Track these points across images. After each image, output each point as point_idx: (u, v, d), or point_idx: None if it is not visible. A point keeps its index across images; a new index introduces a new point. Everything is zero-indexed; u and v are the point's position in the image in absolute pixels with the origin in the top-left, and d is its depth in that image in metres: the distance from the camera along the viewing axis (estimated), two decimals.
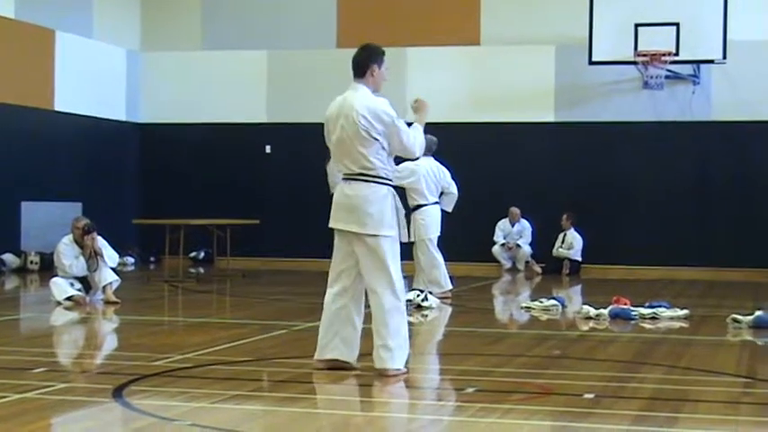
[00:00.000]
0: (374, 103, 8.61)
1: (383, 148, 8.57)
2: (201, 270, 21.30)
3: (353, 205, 8.54)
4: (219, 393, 7.69)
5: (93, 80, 22.72)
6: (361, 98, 8.62)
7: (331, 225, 8.76)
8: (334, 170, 9.00)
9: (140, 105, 24.27)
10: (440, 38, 22.67)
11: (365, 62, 8.79)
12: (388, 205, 8.56)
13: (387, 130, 8.57)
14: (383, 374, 8.38)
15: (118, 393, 7.58)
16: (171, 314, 14.65)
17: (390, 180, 8.66)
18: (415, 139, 8.72)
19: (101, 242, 14.65)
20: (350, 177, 8.63)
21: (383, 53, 8.99)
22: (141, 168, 24.18)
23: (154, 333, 11.75)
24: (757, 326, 12.13)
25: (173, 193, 23.50)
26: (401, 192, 15.00)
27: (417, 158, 9.63)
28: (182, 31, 24.11)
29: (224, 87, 23.72)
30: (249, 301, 15.59)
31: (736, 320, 12.39)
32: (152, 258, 22.91)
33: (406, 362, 8.60)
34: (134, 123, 24.14)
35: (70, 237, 14.69)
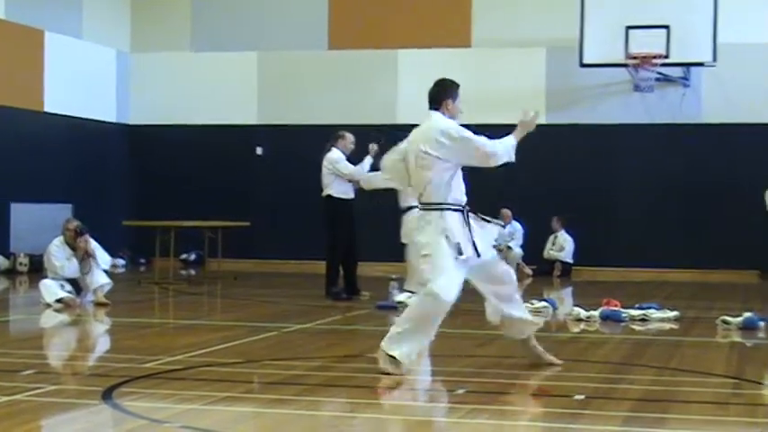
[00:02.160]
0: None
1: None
2: (192, 272, 21.28)
3: None
4: (210, 395, 7.68)
5: (82, 81, 22.70)
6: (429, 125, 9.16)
7: None
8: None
9: (130, 107, 24.24)
10: (431, 40, 22.69)
11: (436, 95, 9.12)
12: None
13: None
14: None
15: (108, 395, 7.56)
16: (161, 316, 14.64)
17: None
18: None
19: (93, 244, 14.64)
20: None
21: (457, 86, 9.27)
22: (131, 170, 24.15)
23: (144, 335, 11.74)
24: (746, 327, 12.17)
25: (163, 194, 23.47)
26: (393, 193, 15.07)
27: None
28: (172, 33, 24.09)
29: (214, 89, 23.71)
30: (240, 303, 15.58)
31: (725, 322, 12.43)
32: (142, 260, 22.89)
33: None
34: (124, 125, 24.12)
35: (61, 238, 14.66)
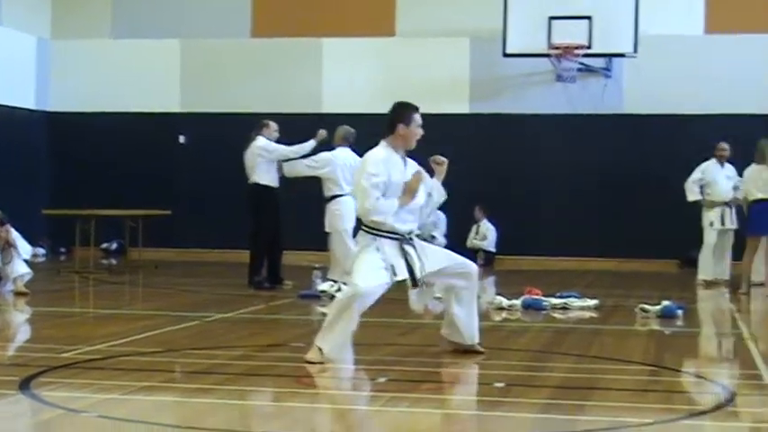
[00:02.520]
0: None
1: None
2: (113, 261, 21.11)
3: None
4: (129, 385, 7.63)
5: (2, 68, 22.39)
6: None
7: None
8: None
9: (51, 94, 23.96)
10: (355, 29, 22.65)
11: (390, 120, 9.05)
12: None
13: None
14: None
15: (25, 385, 7.49)
16: (81, 305, 14.52)
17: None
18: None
19: (14, 234, 14.47)
20: None
21: (415, 110, 9.20)
22: (51, 158, 23.87)
23: (63, 324, 11.62)
24: (664, 315, 12.33)
25: (84, 183, 23.22)
26: (317, 181, 15.06)
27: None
28: (93, 19, 23.83)
29: (136, 76, 23.49)
30: (161, 293, 15.49)
31: (644, 310, 12.57)
32: (63, 249, 22.64)
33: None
34: (44, 112, 23.84)
35: None
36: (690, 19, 21.58)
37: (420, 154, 20.24)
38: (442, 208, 21.65)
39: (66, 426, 6.52)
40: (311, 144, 15.56)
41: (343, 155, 15.51)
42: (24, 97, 23.29)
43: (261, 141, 15.59)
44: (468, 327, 9.23)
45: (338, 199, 15.45)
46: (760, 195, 15.89)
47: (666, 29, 21.39)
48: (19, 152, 22.89)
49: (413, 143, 8.97)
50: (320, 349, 8.56)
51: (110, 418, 6.58)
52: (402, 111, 9.01)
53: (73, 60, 23.80)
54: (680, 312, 12.53)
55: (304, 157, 15.36)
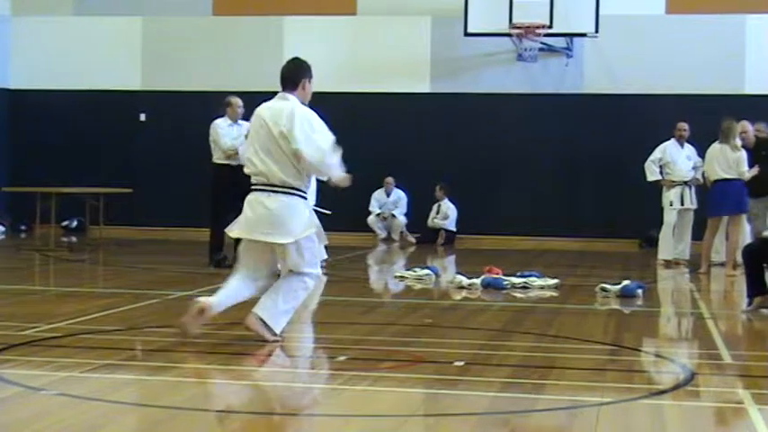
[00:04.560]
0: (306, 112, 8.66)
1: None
2: (74, 239, 21.02)
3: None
4: (89, 362, 7.62)
5: None
6: (285, 105, 8.64)
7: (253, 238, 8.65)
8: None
9: (11, 70, 23.80)
10: (317, 7, 22.62)
11: (292, 75, 8.76)
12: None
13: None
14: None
15: None
16: (42, 283, 14.45)
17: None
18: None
19: None
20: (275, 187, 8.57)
21: (310, 68, 9.01)
22: (11, 135, 23.73)
23: (23, 302, 11.58)
24: (624, 295, 12.39)
25: (44, 160, 23.10)
26: None
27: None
28: None
29: (97, 54, 23.37)
30: (122, 270, 15.45)
31: (604, 290, 12.63)
32: (23, 227, 22.51)
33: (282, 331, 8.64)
34: (4, 89, 23.68)
35: None
36: None
37: (378, 131, 20.27)
38: (401, 187, 21.90)
39: (26, 403, 6.51)
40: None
41: None
42: None
43: (216, 122, 15.37)
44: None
45: None
46: (723, 175, 15.95)
47: (628, 9, 21.49)
48: None
49: (308, 100, 8.89)
50: (273, 331, 8.55)
51: (70, 396, 6.57)
52: (308, 67, 8.92)
53: (34, 37, 23.64)
54: (640, 292, 12.61)
55: None
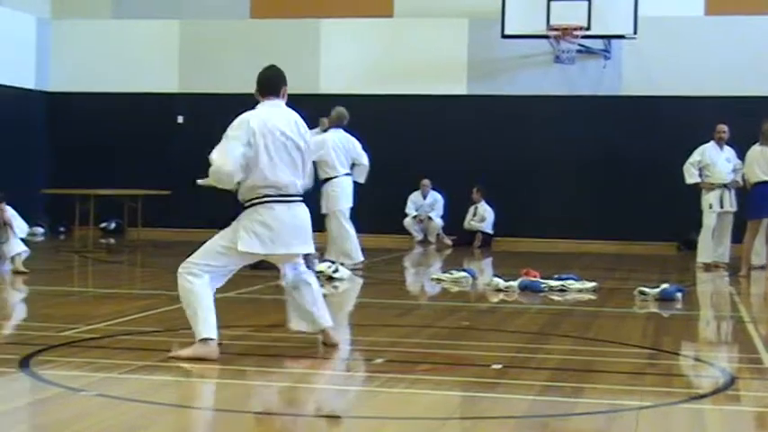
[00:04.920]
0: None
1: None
2: (112, 241, 21.09)
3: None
4: (128, 363, 7.65)
5: (1, 48, 22.35)
6: (290, 113, 8.48)
7: (288, 252, 8.35)
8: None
9: (50, 74, 23.93)
10: (353, 9, 22.63)
11: (280, 81, 8.63)
12: None
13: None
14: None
15: (25, 363, 7.51)
16: (80, 285, 14.53)
17: None
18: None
19: (10, 212, 14.47)
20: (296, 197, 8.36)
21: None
22: (50, 137, 23.86)
23: (62, 303, 11.64)
24: (663, 298, 12.31)
25: (83, 162, 23.21)
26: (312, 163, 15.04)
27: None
28: (93, 0, 23.82)
29: (135, 57, 23.48)
30: (159, 272, 15.49)
31: (642, 293, 12.57)
32: (62, 229, 22.63)
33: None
34: (44, 92, 23.82)
35: None
36: (690, 0, 21.56)
37: (415, 133, 20.21)
38: (438, 189, 21.88)
39: (65, 404, 6.54)
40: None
41: (335, 136, 15.55)
42: (24, 77, 23.27)
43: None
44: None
45: (333, 180, 15.51)
46: (763, 177, 15.83)
47: (666, 10, 21.38)
48: (19, 132, 22.89)
49: None
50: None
51: (109, 397, 6.60)
52: (284, 74, 8.77)
53: (72, 40, 23.77)
54: (679, 295, 12.52)
55: None
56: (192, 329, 8.00)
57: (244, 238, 8.16)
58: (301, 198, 8.40)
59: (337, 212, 15.38)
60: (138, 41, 23.47)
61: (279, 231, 8.20)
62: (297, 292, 8.51)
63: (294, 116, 8.49)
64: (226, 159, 8.07)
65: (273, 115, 8.34)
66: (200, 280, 8.13)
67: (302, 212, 8.37)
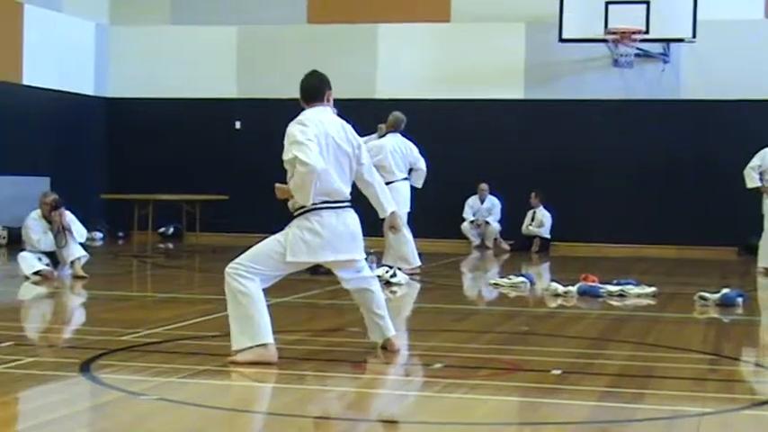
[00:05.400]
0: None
1: None
2: (170, 245, 21.24)
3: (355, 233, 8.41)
4: (187, 368, 7.68)
5: (61, 54, 22.59)
6: (338, 119, 8.47)
7: (338, 258, 8.34)
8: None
9: (109, 80, 24.14)
10: (410, 14, 22.64)
11: (324, 87, 8.58)
12: None
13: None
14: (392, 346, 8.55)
15: (85, 368, 7.56)
16: (139, 289, 14.62)
17: None
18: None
19: (69, 217, 14.59)
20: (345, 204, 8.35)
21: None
22: (109, 143, 24.06)
23: (122, 308, 11.72)
24: (724, 303, 12.20)
25: (141, 168, 23.40)
26: None
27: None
28: (151, 6, 23.98)
29: (193, 62, 23.63)
30: (218, 277, 15.38)
31: (702, 298, 12.46)
32: (121, 234, 22.82)
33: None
34: (103, 98, 24.02)
35: (38, 212, 14.62)
36: (749, 3, 21.40)
37: (472, 138, 20.18)
38: (496, 194, 21.82)
39: (125, 408, 6.58)
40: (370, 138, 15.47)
41: (393, 141, 15.56)
42: (83, 83, 23.49)
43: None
44: None
45: (391, 185, 15.46)
46: None
47: (725, 13, 21.21)
48: (78, 137, 23.11)
49: None
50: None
51: (169, 401, 6.63)
52: (328, 79, 8.71)
53: (131, 46, 23.96)
54: (740, 300, 12.41)
55: None
56: (242, 332, 8.02)
57: (292, 248, 8.18)
58: (350, 204, 8.36)
59: None
60: (196, 47, 23.62)
61: (327, 238, 8.18)
62: (359, 298, 8.53)
63: (341, 121, 8.47)
64: (317, 158, 7.97)
65: (324, 121, 8.32)
66: (253, 283, 8.20)
67: (351, 219, 8.34)
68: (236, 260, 8.29)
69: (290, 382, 7.44)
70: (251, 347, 7.92)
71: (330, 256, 8.26)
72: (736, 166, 17.69)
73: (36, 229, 14.54)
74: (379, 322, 8.52)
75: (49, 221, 14.52)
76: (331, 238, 8.20)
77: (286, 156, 8.11)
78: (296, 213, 8.27)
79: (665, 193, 21.65)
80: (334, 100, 8.64)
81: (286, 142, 8.16)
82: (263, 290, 8.28)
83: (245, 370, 7.72)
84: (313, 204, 8.13)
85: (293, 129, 8.18)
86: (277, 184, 8.46)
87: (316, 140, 8.09)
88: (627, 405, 6.82)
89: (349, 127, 8.50)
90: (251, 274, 8.18)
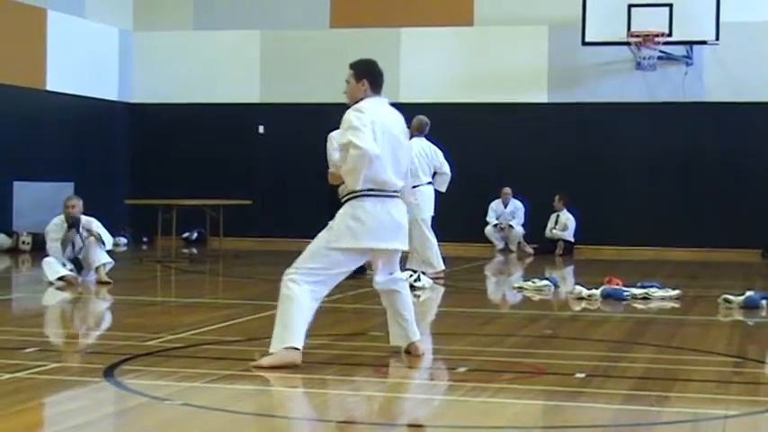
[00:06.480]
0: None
1: None
2: (194, 250, 21.29)
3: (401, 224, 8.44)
4: (211, 373, 7.69)
5: (85, 60, 22.68)
6: (396, 112, 8.61)
7: (380, 247, 8.33)
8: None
9: (133, 85, 24.22)
10: (433, 18, 22.65)
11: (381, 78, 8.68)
12: None
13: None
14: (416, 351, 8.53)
15: (110, 373, 7.58)
16: (163, 294, 14.66)
17: None
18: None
19: (96, 224, 14.63)
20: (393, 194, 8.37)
21: None
22: (133, 148, 24.15)
23: (146, 313, 11.75)
24: (748, 306, 12.16)
25: (165, 173, 23.48)
26: None
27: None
28: (174, 11, 24.06)
29: (217, 67, 23.69)
30: (241, 282, 15.59)
31: (727, 300, 12.42)
32: (144, 239, 22.89)
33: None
34: (126, 103, 24.11)
35: (61, 217, 14.66)
36: None
37: (495, 141, 20.14)
38: (519, 197, 21.80)
39: (150, 413, 6.60)
40: None
41: (418, 144, 15.53)
42: (107, 89, 23.58)
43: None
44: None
45: (416, 189, 15.46)
46: None
47: (748, 15, 21.15)
48: (102, 143, 23.21)
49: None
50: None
51: (194, 406, 6.65)
52: None
53: (154, 52, 24.04)
54: (764, 303, 12.35)
55: None
56: (276, 335, 8.03)
57: (337, 234, 8.22)
58: (397, 194, 8.38)
59: (419, 221, 15.35)
60: (219, 52, 23.69)
61: (370, 225, 8.20)
62: (387, 299, 8.54)
63: (399, 114, 8.58)
64: (370, 143, 8.06)
65: (384, 113, 8.44)
66: (300, 288, 8.19)
67: (395, 209, 8.34)
68: (293, 264, 8.33)
69: (315, 387, 7.45)
70: (280, 350, 7.93)
71: (372, 244, 8.26)
72: (759, 169, 17.64)
73: (53, 236, 14.59)
74: (405, 325, 8.52)
75: (71, 227, 14.56)
76: (374, 226, 8.22)
77: (341, 140, 8.24)
78: (343, 200, 8.32)
79: (689, 195, 21.60)
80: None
81: (342, 128, 8.27)
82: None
83: (270, 375, 7.73)
84: (360, 191, 8.18)
85: (350, 115, 8.26)
86: (331, 170, 8.51)
87: (370, 127, 8.16)
88: (651, 408, 6.80)
89: (404, 122, 8.62)
90: (301, 278, 8.22)
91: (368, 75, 8.64)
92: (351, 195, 8.24)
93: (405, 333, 8.53)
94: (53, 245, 14.55)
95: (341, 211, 8.29)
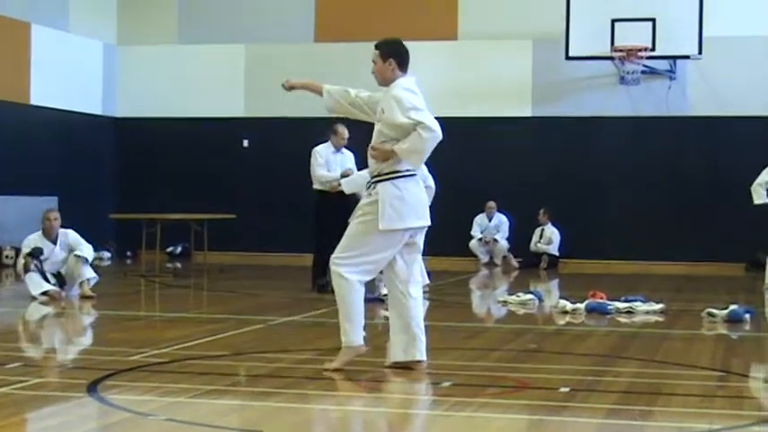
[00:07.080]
0: None
1: None
2: (178, 265, 21.26)
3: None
4: (195, 388, 7.68)
5: (69, 74, 22.64)
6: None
7: (421, 224, 8.50)
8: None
9: (117, 99, 24.20)
10: (417, 33, 22.62)
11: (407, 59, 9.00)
12: None
13: None
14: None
15: (93, 388, 7.55)
16: (147, 309, 14.62)
17: None
18: None
19: (72, 235, 14.56)
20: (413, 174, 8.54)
21: None
22: (117, 163, 24.11)
23: (130, 328, 11.72)
24: (732, 320, 12.19)
25: (149, 187, 23.45)
26: None
27: None
28: (158, 25, 24.05)
29: (201, 81, 23.68)
30: (226, 296, 15.57)
31: (710, 314, 12.45)
32: (129, 253, 22.85)
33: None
34: (110, 117, 24.07)
35: (39, 233, 14.60)
36: (755, 20, 21.40)
37: (480, 155, 20.22)
38: (503, 211, 21.81)
39: (134, 428, 6.58)
40: (336, 176, 14.90)
41: None
42: (91, 103, 23.55)
43: (317, 149, 15.31)
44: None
45: None
46: None
47: (731, 30, 21.20)
48: (86, 157, 23.16)
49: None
50: None
51: (177, 422, 6.63)
52: None
53: (138, 66, 24.03)
54: (748, 316, 12.40)
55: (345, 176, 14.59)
56: (344, 332, 8.43)
57: (382, 216, 8.28)
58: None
59: None
60: (203, 66, 23.68)
61: (412, 204, 8.38)
62: (397, 310, 8.53)
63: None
64: (438, 125, 8.50)
65: (418, 93, 8.81)
66: (348, 282, 8.31)
67: (421, 188, 8.60)
68: (336, 253, 8.42)
69: (299, 402, 7.44)
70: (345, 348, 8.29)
71: (416, 222, 8.41)
72: (742, 183, 17.67)
73: (25, 251, 14.52)
74: (419, 337, 8.50)
75: (50, 241, 14.51)
76: (415, 204, 8.42)
77: (399, 120, 8.44)
78: (375, 179, 8.41)
79: (673, 210, 21.64)
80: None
81: (395, 105, 8.56)
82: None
83: (253, 390, 7.71)
84: (398, 171, 8.37)
85: (403, 94, 8.48)
86: (377, 144, 8.54)
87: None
88: (634, 422, 6.81)
89: None
90: (347, 267, 8.33)
91: (394, 54, 8.90)
92: (395, 175, 8.37)
93: (415, 347, 8.51)
94: (21, 261, 14.52)
95: (379, 192, 8.33)
